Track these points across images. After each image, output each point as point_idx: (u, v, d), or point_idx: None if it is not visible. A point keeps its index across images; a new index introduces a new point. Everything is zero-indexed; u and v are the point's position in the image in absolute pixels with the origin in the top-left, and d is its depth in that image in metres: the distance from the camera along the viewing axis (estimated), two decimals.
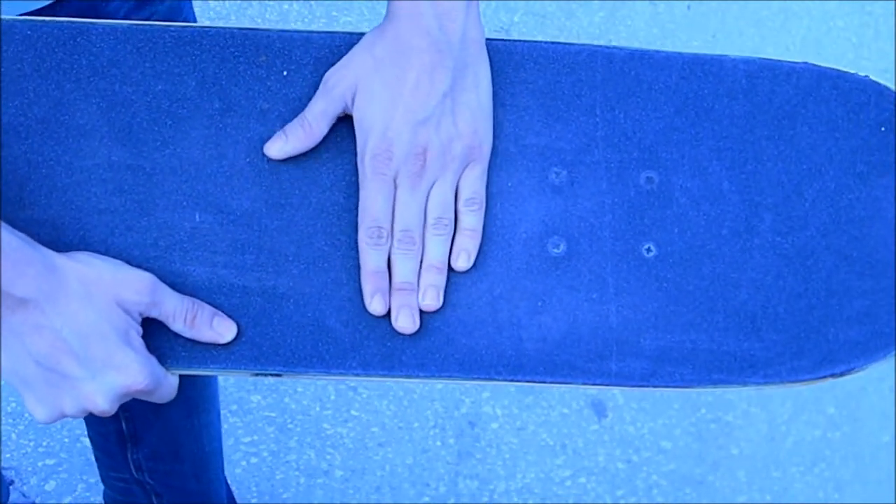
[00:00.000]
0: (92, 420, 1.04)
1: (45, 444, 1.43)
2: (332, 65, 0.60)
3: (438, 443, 1.57)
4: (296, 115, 0.59)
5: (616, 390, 1.67)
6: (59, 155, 0.58)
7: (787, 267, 0.62)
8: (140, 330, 0.56)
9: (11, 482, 1.40)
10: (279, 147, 0.59)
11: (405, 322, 0.58)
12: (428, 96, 0.57)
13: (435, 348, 0.59)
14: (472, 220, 0.60)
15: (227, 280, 0.58)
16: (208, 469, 1.10)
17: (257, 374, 0.58)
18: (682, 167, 0.62)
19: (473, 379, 0.59)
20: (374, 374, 0.59)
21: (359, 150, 0.59)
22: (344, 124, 0.60)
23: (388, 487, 1.52)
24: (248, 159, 0.59)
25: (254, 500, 1.47)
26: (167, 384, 0.57)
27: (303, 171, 0.60)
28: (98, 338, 0.53)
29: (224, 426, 1.50)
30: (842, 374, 0.62)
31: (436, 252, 0.59)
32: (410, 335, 0.59)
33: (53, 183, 0.58)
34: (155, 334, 0.57)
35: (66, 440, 1.44)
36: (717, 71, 0.63)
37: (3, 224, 0.51)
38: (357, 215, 0.59)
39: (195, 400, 1.04)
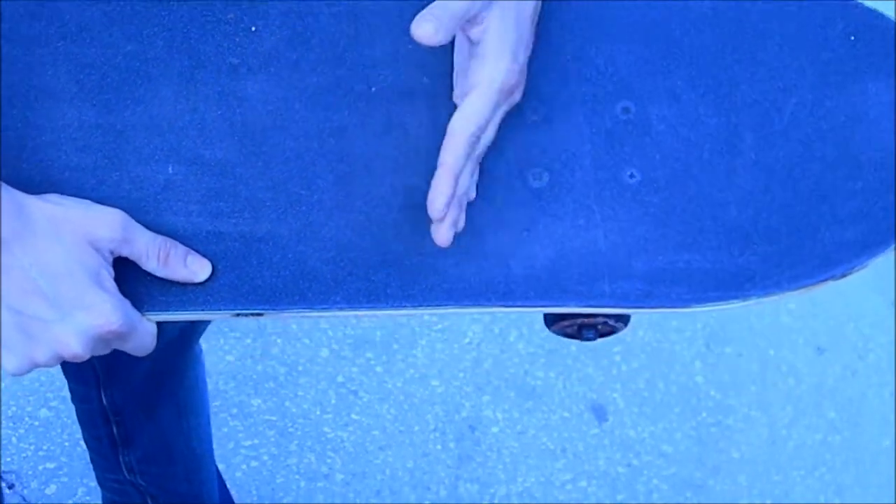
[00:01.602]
0: (86, 423, 1.05)
1: (45, 447, 1.44)
2: (301, 17, 0.60)
3: (439, 446, 1.57)
4: (267, 68, 0.60)
5: (617, 394, 1.67)
6: (28, 118, 0.58)
7: (773, 180, 0.62)
8: (112, 272, 0.54)
9: (12, 486, 1.40)
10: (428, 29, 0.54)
11: (448, 236, 0.57)
12: (531, 37, 0.58)
13: (421, 278, 0.59)
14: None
15: (202, 227, 0.58)
16: (200, 470, 1.11)
17: (238, 315, 0.58)
18: (657, 96, 0.63)
19: (463, 306, 0.59)
20: (359, 307, 0.58)
21: (486, 73, 0.56)
22: (313, 65, 0.60)
23: (388, 491, 1.52)
24: (219, 112, 0.59)
25: None
26: (143, 329, 0.56)
27: (274, 120, 0.60)
28: (68, 277, 0.51)
29: (224, 430, 1.50)
30: (842, 276, 0.61)
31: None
32: (396, 269, 0.59)
33: (24, 144, 0.57)
34: (129, 279, 0.56)
35: (67, 444, 1.44)
36: (682, 2, 0.64)
37: None
38: (329, 161, 0.59)
39: (185, 402, 1.04)
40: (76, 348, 0.53)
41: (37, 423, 1.46)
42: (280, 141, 0.60)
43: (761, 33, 0.64)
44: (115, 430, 1.02)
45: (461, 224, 0.58)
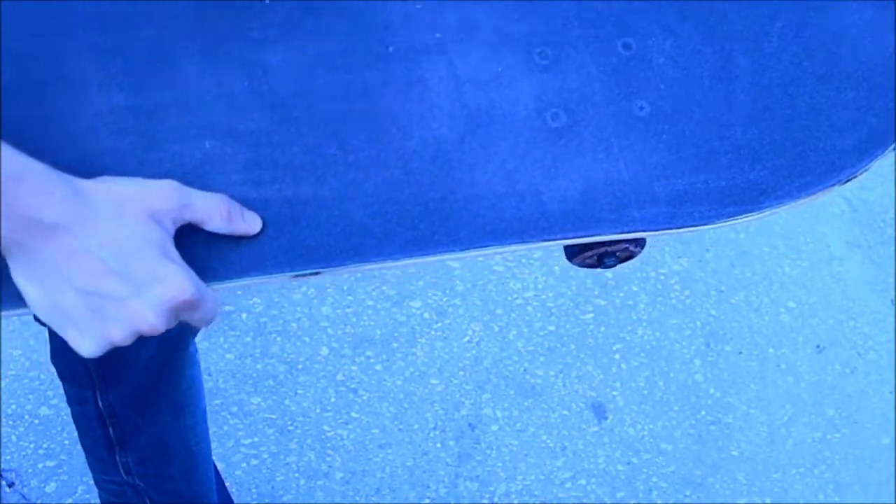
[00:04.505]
0: (81, 425, 1.05)
1: (45, 445, 1.44)
2: None
3: (439, 445, 1.57)
4: (285, 38, 0.62)
5: (616, 392, 1.67)
6: (62, 108, 0.59)
7: (771, 98, 0.67)
8: (173, 244, 0.55)
9: (12, 484, 1.40)
10: None
11: None
12: None
13: (463, 223, 0.62)
14: None
15: (246, 196, 0.60)
16: (197, 470, 1.11)
17: (297, 276, 0.60)
18: (654, 32, 0.67)
19: (507, 245, 0.62)
20: (412, 256, 0.61)
21: None
22: (329, 32, 0.63)
23: (388, 489, 1.52)
24: (246, 84, 0.61)
25: (254, 502, 1.47)
26: (210, 299, 0.56)
27: (300, 86, 0.62)
28: (136, 252, 0.52)
29: (224, 428, 1.50)
30: (847, 180, 0.67)
31: None
32: (439, 217, 0.62)
33: (61, 133, 0.58)
34: (187, 252, 0.57)
35: (67, 442, 1.44)
36: None
37: (22, 154, 0.49)
38: (358, 121, 0.62)
39: (180, 403, 1.04)
40: (153, 321, 0.53)
41: (37, 422, 1.46)
42: (308, 106, 0.62)
43: None
44: (111, 431, 1.02)
45: None
